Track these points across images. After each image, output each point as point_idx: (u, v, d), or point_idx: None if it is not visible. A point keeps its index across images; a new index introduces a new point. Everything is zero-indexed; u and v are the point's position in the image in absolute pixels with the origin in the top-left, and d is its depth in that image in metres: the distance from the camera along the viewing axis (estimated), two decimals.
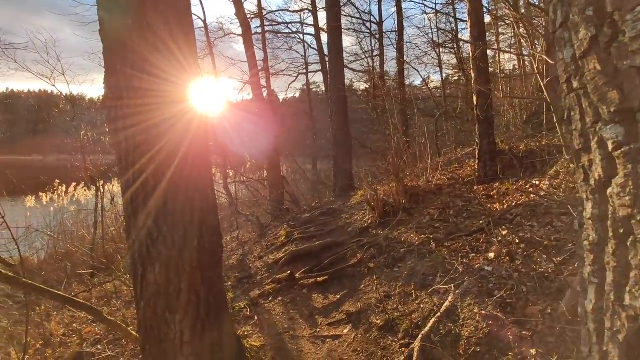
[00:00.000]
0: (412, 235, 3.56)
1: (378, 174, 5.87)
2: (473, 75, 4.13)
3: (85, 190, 10.30)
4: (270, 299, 3.58)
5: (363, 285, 3.28)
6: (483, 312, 2.06)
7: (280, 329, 2.95)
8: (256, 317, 3.28)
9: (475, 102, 4.08)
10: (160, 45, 1.82)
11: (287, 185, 9.31)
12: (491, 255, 2.56)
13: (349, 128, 8.72)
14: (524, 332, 1.85)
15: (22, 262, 2.52)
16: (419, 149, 5.38)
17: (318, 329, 2.86)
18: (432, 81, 12.98)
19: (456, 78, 15.52)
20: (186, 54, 1.92)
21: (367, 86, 14.26)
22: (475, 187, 3.97)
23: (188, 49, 1.95)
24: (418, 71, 13.08)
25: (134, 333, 2.55)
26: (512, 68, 12.74)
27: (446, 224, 3.47)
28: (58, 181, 10.03)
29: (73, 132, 8.14)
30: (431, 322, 2.23)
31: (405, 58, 11.50)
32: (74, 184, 10.14)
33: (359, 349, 2.49)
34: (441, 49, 12.64)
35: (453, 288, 2.43)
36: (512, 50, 9.43)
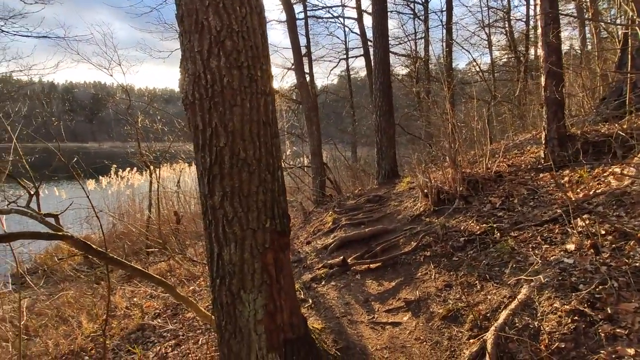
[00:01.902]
0: (471, 224, 3.41)
1: (425, 161, 5.66)
2: (542, 52, 3.80)
3: (138, 175, 10.96)
4: (323, 283, 3.61)
5: (420, 274, 3.20)
6: (567, 306, 1.92)
7: (337, 313, 2.96)
8: (310, 301, 3.31)
9: (543, 83, 3.77)
10: (236, 26, 1.81)
11: (328, 172, 9.31)
12: (570, 246, 2.37)
13: (393, 114, 8.48)
14: (617, 330, 1.70)
15: (104, 238, 2.70)
16: (473, 135, 5.10)
17: (376, 315, 2.84)
18: (479, 64, 12.24)
19: (504, 60, 14.57)
20: (258, 35, 1.91)
21: (410, 70, 13.78)
22: (542, 175, 3.71)
23: (261, 30, 1.93)
24: (469, 52, 12.35)
25: (202, 309, 2.67)
26: (572, 46, 11.70)
27: (511, 213, 3.27)
28: (115, 166, 10.73)
29: (128, 120, 8.59)
30: (504, 314, 2.12)
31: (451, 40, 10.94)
32: (128, 168, 10.81)
33: (421, 337, 2.44)
34: (491, 29, 11.88)
35: (525, 280, 2.29)
36: (585, 21, 8.52)
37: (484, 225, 3.26)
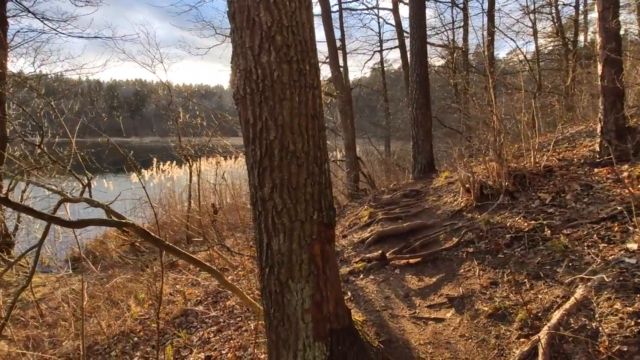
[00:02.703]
0: (518, 221, 3.27)
1: (465, 155, 5.47)
2: (599, 39, 3.54)
3: (177, 168, 11.46)
4: (361, 276, 3.62)
5: (462, 270, 3.13)
6: (629, 308, 1.81)
7: (377, 307, 2.96)
8: (349, 293, 3.34)
9: (600, 71, 3.51)
10: (285, 21, 1.84)
11: (362, 166, 9.26)
12: (632, 245, 2.22)
13: (430, 107, 8.26)
14: None
15: (158, 227, 2.88)
16: (518, 127, 4.86)
17: (417, 310, 2.81)
18: (524, 53, 11.58)
19: (550, 47, 13.69)
20: (307, 30, 1.93)
21: (447, 61, 13.31)
22: (597, 170, 3.47)
23: (309, 24, 1.95)
24: (514, 40, 11.66)
25: (248, 297, 2.77)
26: (628, 31, 10.78)
27: (562, 210, 3.11)
28: (156, 159, 11.29)
29: (169, 116, 8.98)
30: (558, 314, 2.03)
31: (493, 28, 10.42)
32: (168, 162, 11.33)
33: (466, 335, 2.39)
34: (536, 15, 11.20)
35: (581, 280, 2.18)
36: None
37: (533, 222, 3.12)
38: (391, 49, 14.02)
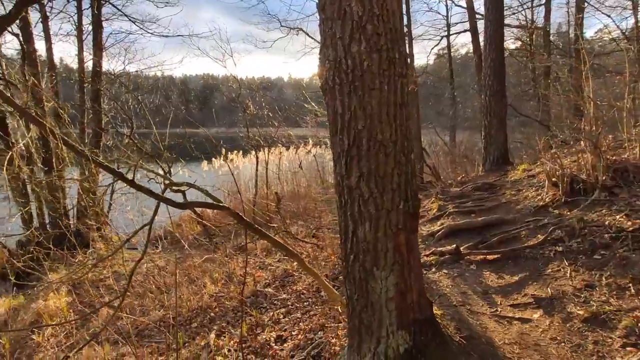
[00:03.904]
0: (619, 219, 2.94)
1: (551, 146, 5.00)
2: None
3: (243, 157, 12.09)
4: (433, 270, 3.53)
5: (549, 270, 2.90)
6: None
7: (454, 302, 2.88)
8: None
9: None
10: (377, 9, 1.84)
11: (427, 158, 8.94)
12: None
13: (505, 94, 7.67)
14: None
15: (244, 211, 3.10)
16: (614, 115, 4.31)
17: (499, 309, 2.68)
18: (624, 31, 10.12)
19: None
20: (397, 17, 1.91)
21: (524, 43, 12.15)
22: None
23: (399, 11, 1.92)
24: (609, 16, 10.20)
25: (327, 282, 2.87)
26: None
27: None
28: (225, 148, 12.01)
29: (239, 108, 9.47)
30: None
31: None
32: (235, 151, 11.99)
33: (558, 338, 2.23)
34: None
35: None
36: None
37: (639, 220, 2.78)
38: (459, 33, 13.18)
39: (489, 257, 3.38)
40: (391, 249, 1.92)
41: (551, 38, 11.84)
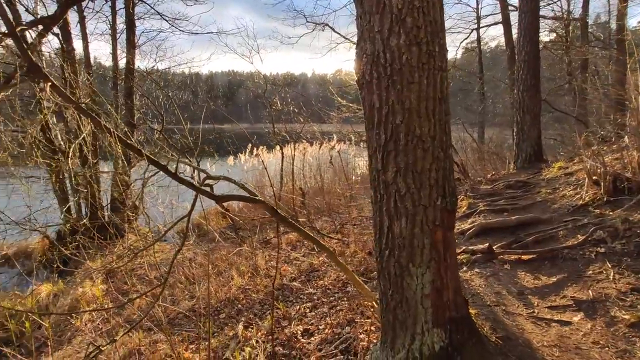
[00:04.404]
0: None
1: (591, 142, 4.77)
2: None
3: (268, 153, 12.22)
4: (465, 269, 3.46)
5: (590, 272, 2.78)
6: None
7: (488, 302, 2.81)
8: None
9: None
10: (417, 1, 1.80)
11: (455, 154, 8.73)
12: None
13: (539, 89, 7.35)
14: None
15: (276, 204, 3.15)
16: None
17: (536, 310, 2.59)
18: None
19: None
20: (437, 9, 1.86)
21: (559, 35, 11.59)
22: None
23: (439, 3, 1.88)
24: None
25: (358, 278, 2.87)
26: None
27: None
28: (250, 144, 12.19)
29: (265, 104, 9.58)
30: None
31: None
32: (260, 147, 12.13)
33: (601, 342, 2.14)
34: None
35: None
36: None
37: None
38: (490, 25, 12.72)
39: (524, 257, 3.27)
40: (428, 246, 1.90)
41: (589, 29, 11.22)
